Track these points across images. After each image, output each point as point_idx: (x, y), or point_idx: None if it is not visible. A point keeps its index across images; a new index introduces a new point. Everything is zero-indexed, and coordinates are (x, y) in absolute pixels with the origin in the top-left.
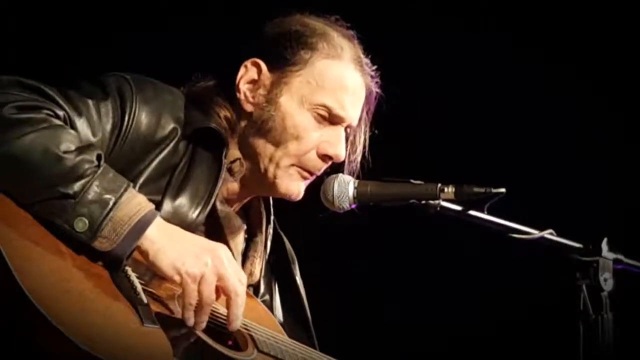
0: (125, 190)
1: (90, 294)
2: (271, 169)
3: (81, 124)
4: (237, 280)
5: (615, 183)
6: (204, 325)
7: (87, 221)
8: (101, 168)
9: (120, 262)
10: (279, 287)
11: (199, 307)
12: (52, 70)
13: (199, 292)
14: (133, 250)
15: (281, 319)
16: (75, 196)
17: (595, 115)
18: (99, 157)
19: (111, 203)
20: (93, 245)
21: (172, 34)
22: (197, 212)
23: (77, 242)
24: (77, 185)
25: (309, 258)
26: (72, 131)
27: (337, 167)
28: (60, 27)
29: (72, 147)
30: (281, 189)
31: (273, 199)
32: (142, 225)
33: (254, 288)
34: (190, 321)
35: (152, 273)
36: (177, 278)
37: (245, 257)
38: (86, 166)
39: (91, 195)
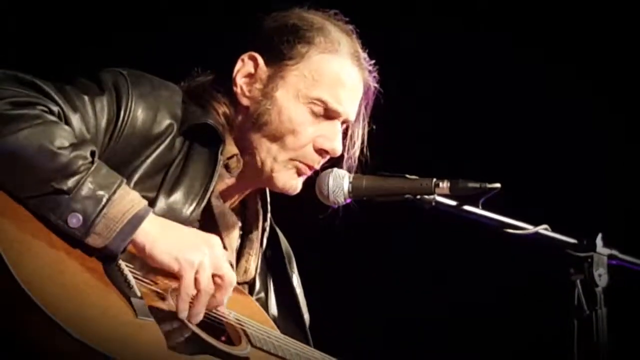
0: (119, 186)
1: (85, 287)
2: (269, 162)
3: (76, 120)
4: (231, 270)
5: (611, 180)
6: (200, 317)
7: (80, 217)
8: (95, 164)
9: (113, 258)
10: (274, 284)
11: (196, 297)
12: (52, 71)
13: (197, 280)
14: (127, 246)
15: (276, 316)
16: (69, 192)
17: (593, 114)
18: (92, 153)
19: (104, 200)
20: (86, 241)
21: (172, 33)
22: (191, 208)
23: (71, 238)
24: (71, 181)
25: (302, 253)
26: (66, 127)
27: (335, 163)
28: (60, 27)
29: (66, 144)
30: (279, 182)
31: (270, 195)
32: (135, 222)
33: (249, 285)
34: (184, 313)
35: (147, 267)
36: (174, 266)
37: (240, 254)
38: (80, 162)
39: (84, 191)
